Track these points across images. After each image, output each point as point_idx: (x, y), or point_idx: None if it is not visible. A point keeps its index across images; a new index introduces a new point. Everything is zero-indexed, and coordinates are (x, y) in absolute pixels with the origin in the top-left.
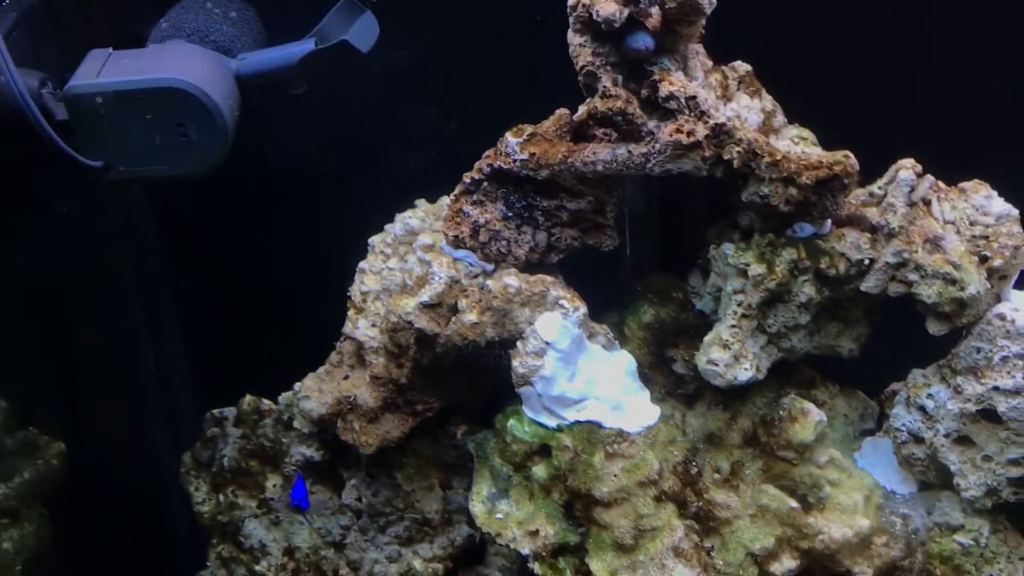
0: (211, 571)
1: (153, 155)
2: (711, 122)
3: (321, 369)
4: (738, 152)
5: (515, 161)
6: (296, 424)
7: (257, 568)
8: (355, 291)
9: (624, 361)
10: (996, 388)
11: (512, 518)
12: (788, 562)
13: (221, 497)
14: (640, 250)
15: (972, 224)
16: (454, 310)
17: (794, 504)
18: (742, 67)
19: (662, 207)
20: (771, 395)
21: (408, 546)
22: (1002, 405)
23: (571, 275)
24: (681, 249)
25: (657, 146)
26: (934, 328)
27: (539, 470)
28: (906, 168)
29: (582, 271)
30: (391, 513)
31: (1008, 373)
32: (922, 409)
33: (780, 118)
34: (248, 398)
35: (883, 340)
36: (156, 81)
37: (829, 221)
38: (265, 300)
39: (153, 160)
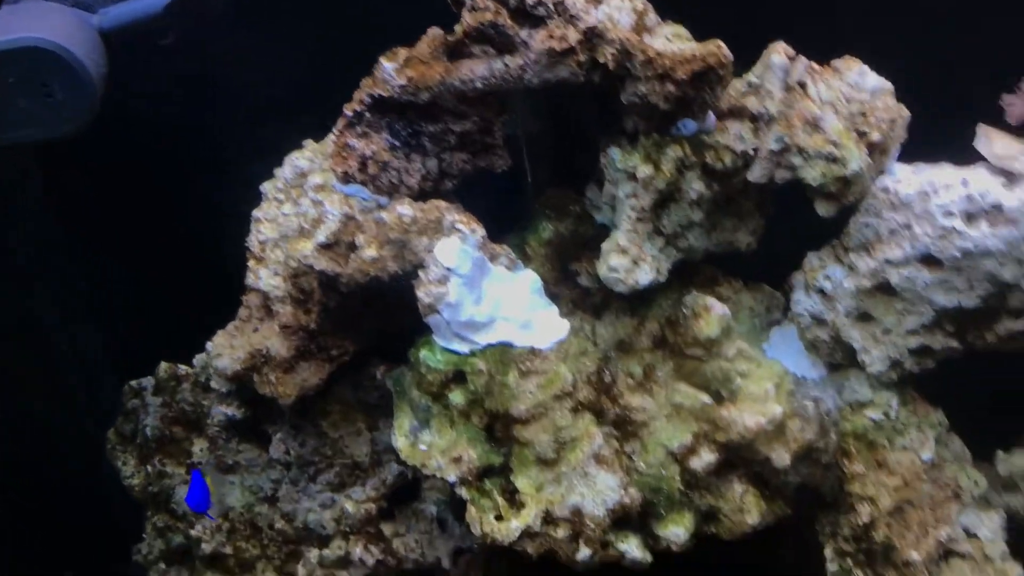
0: (147, 543)
1: (20, 120)
2: (582, 26)
3: (230, 325)
4: (612, 54)
5: (394, 87)
6: (213, 384)
7: (193, 533)
8: (253, 241)
9: (529, 279)
10: (887, 261)
11: (435, 447)
12: (707, 456)
13: (149, 468)
14: (539, 169)
15: (848, 102)
16: (353, 248)
17: (707, 399)
18: None
19: (556, 123)
20: (675, 296)
21: (340, 491)
22: (895, 277)
23: (478, 202)
24: (578, 164)
25: (532, 56)
26: (823, 210)
27: (456, 396)
28: (778, 53)
29: (489, 198)
30: (320, 462)
31: (897, 244)
32: (821, 291)
33: (652, 16)
34: (164, 365)
35: (785, 231)
36: (14, 42)
37: (712, 116)
38: (171, 263)
39: (21, 125)
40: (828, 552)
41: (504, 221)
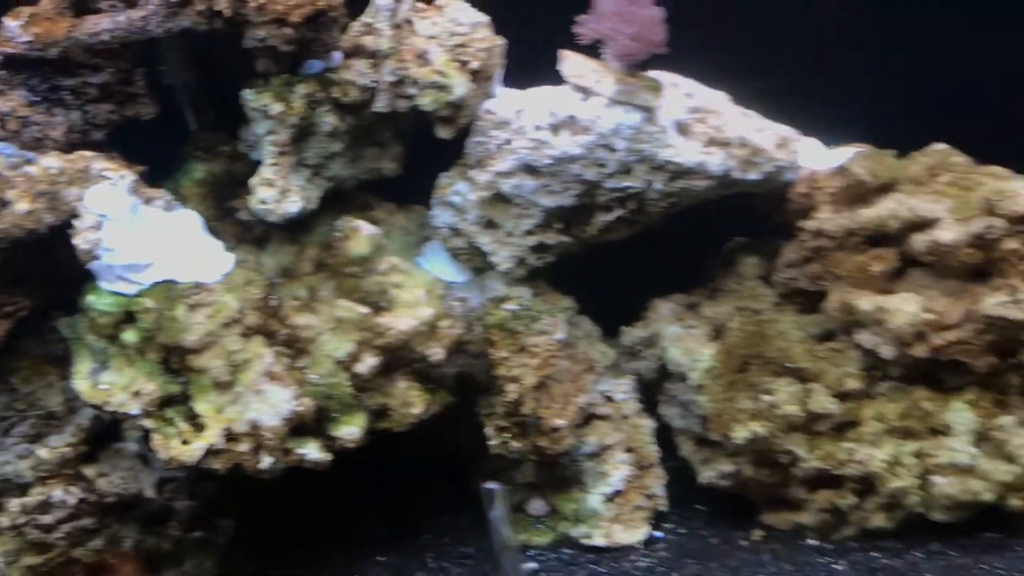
0: None
1: None
2: None
3: None
4: (227, 2)
5: (21, 44)
6: None
7: None
8: None
9: (187, 218)
10: (498, 172)
11: (116, 385)
12: (370, 360)
13: None
14: (201, 117)
15: (452, 35)
16: (4, 204)
17: (365, 310)
18: None
19: (210, 71)
20: (330, 223)
21: (37, 442)
22: (506, 186)
23: (145, 151)
24: (235, 108)
25: (152, 7)
26: (442, 132)
27: (129, 336)
28: None
29: (157, 146)
30: (13, 416)
31: (503, 158)
32: (452, 205)
33: None
34: None
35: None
36: None
37: (338, 54)
38: None
39: None
40: (488, 430)
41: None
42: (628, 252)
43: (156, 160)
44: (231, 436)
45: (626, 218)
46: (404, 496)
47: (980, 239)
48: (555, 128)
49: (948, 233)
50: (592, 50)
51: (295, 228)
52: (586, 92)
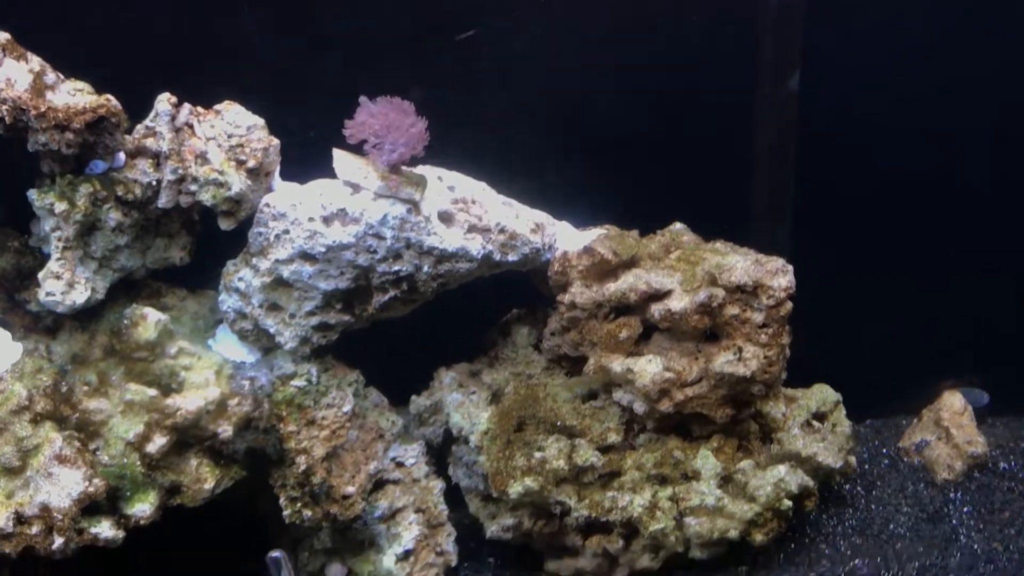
0: None
1: None
2: None
3: None
4: (7, 110)
5: None
6: None
7: None
8: None
9: None
10: (278, 260)
11: None
12: (159, 439)
13: None
14: None
15: (230, 136)
16: None
17: (153, 392)
18: (2, 35)
19: (5, 168)
20: (121, 311)
21: None
22: (286, 272)
23: None
24: (26, 203)
25: None
26: (224, 224)
27: None
28: (164, 101)
29: None
30: None
31: (282, 246)
32: (237, 290)
33: (52, 75)
34: None
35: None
36: None
37: (122, 155)
38: None
39: None
40: (282, 500)
41: None
42: (416, 325)
43: None
44: (21, 519)
45: (401, 297)
46: (202, 570)
47: (705, 307)
48: (327, 220)
49: (678, 303)
50: (359, 148)
51: (85, 316)
52: (355, 187)
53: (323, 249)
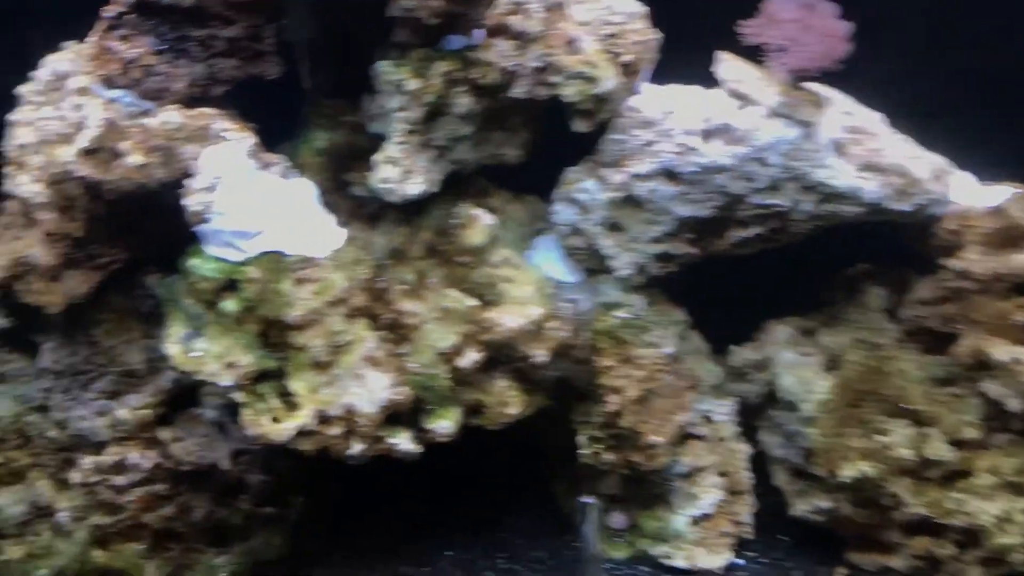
0: None
1: None
2: None
3: None
4: None
5: None
6: None
7: None
8: (10, 146)
9: (303, 188)
10: (635, 175)
11: (209, 354)
12: (472, 355)
13: None
14: (317, 78)
15: (605, 24)
16: (117, 154)
17: (473, 303)
18: None
19: (335, 32)
20: (447, 207)
21: (115, 399)
22: (641, 188)
23: (253, 110)
24: (356, 74)
25: None
26: (579, 126)
27: (229, 304)
28: None
29: (266, 105)
30: (92, 370)
31: (642, 160)
32: (576, 202)
33: None
34: None
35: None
36: None
37: (480, 32)
38: None
39: None
40: (581, 438)
41: (282, 129)
42: (744, 266)
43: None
44: (323, 418)
45: (763, 236)
46: (481, 491)
47: None
48: (707, 135)
49: None
50: (748, 55)
51: (410, 209)
52: (744, 100)
53: (694, 169)
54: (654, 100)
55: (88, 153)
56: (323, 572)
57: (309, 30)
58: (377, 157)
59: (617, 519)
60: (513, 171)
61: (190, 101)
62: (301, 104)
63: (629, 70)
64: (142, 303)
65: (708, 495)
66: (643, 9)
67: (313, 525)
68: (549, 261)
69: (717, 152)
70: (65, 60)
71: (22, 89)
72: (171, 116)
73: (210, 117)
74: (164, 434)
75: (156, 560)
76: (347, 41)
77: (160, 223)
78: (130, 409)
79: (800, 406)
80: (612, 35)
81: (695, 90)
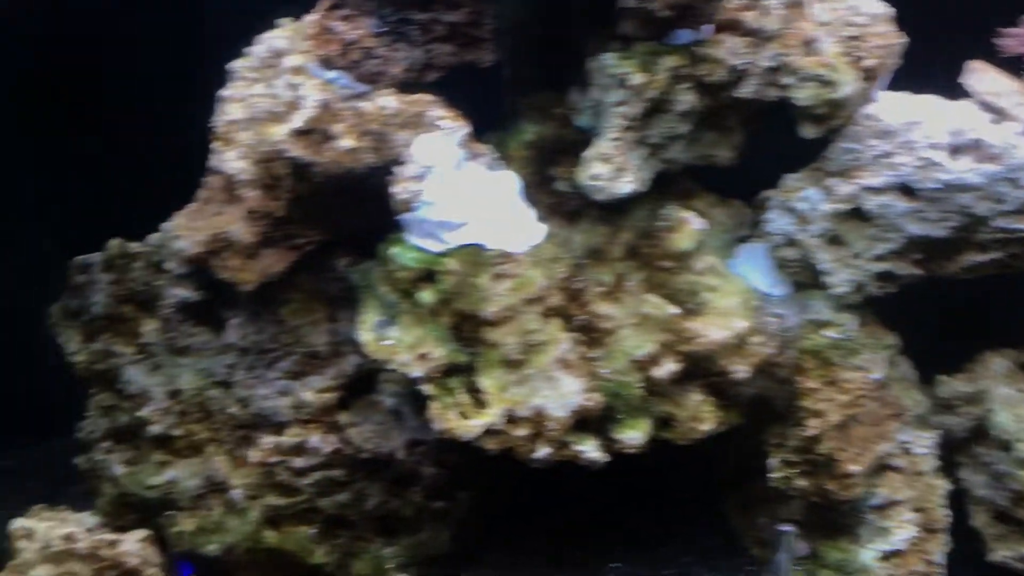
0: (92, 421)
1: None
2: None
3: (191, 206)
4: None
5: None
6: (168, 265)
7: (139, 414)
8: (219, 121)
9: (508, 181)
10: (866, 187)
11: (401, 343)
12: (669, 365)
13: (95, 345)
14: (521, 66)
15: (847, 25)
16: (329, 136)
17: (674, 310)
18: None
19: (544, 19)
20: (651, 207)
21: (297, 380)
22: (870, 202)
23: (455, 95)
24: (562, 64)
25: None
26: (808, 131)
27: (426, 295)
28: None
29: (463, 90)
30: (278, 349)
31: (876, 171)
32: (794, 211)
33: None
34: (115, 241)
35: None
36: None
37: (709, 27)
38: (121, 139)
39: None
40: (774, 461)
41: (480, 117)
42: (959, 289)
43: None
44: (512, 419)
45: (999, 261)
46: (649, 503)
47: None
48: (954, 150)
49: None
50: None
51: (611, 208)
52: (1000, 114)
53: (935, 185)
54: (893, 109)
55: (301, 134)
56: (483, 572)
57: (517, 13)
58: (588, 153)
59: (800, 547)
60: (711, 173)
61: (403, 86)
62: (487, 93)
63: (869, 75)
64: (330, 285)
65: (901, 530)
66: (888, 11)
67: (476, 523)
68: (754, 271)
69: (964, 169)
70: (282, 37)
71: (236, 64)
72: (387, 101)
73: (426, 104)
74: (342, 418)
75: (325, 546)
76: (559, 31)
77: (355, 207)
78: (313, 391)
79: (1016, 446)
80: (854, 37)
81: (937, 101)
